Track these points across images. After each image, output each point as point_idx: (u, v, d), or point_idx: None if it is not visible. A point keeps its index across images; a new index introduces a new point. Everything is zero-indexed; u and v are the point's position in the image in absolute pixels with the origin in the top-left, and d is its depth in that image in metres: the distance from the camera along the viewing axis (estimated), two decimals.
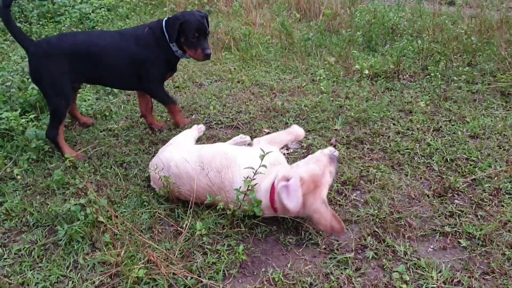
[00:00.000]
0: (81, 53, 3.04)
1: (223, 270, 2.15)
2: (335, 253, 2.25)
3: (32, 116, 3.47)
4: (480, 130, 3.33)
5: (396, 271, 2.09)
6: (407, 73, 4.30)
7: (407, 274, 2.08)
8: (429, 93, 3.92)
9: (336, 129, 3.41)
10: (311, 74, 4.40)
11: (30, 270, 2.19)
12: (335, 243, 2.33)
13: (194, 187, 2.45)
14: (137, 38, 3.15)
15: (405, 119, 3.55)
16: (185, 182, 2.50)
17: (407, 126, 3.43)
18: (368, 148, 3.17)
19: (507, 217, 2.44)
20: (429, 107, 3.67)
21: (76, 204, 2.47)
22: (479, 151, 3.06)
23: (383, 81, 4.17)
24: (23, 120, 3.39)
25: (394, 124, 3.47)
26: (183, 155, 2.56)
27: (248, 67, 4.67)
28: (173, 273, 2.09)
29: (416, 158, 3.02)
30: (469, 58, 4.55)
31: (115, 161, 3.08)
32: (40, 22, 6.01)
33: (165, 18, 3.20)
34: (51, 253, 2.31)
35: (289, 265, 2.19)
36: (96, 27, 6.26)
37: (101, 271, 2.15)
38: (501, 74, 4.11)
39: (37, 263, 2.25)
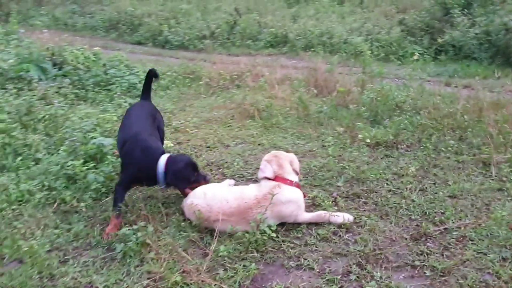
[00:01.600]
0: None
1: (239, 282, 2.84)
2: (326, 275, 2.92)
3: (92, 165, 4.31)
4: (458, 192, 3.99)
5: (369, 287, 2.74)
6: (405, 144, 5.03)
7: None
8: (420, 161, 4.63)
9: (338, 186, 4.14)
10: (322, 140, 5.19)
11: (95, 275, 2.92)
12: (327, 268, 3.00)
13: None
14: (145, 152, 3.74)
15: (397, 180, 4.25)
16: (216, 204, 3.33)
17: (398, 186, 4.13)
18: (363, 202, 3.88)
19: (467, 256, 3.07)
20: (419, 172, 4.37)
21: (129, 229, 3.22)
22: (454, 207, 3.72)
23: (383, 149, 4.91)
24: (85, 167, 4.23)
25: (387, 184, 4.17)
26: (217, 187, 3.51)
27: (268, 133, 5.51)
28: (202, 281, 2.80)
29: (400, 211, 3.70)
30: (461, 133, 5.26)
31: (158, 202, 3.86)
32: (95, 90, 7.06)
33: (164, 158, 3.64)
34: (109, 264, 3.05)
35: (289, 281, 2.87)
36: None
37: (147, 277, 2.87)
38: (485, 148, 4.81)
39: (99, 271, 2.98)
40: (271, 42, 11.55)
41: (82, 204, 3.79)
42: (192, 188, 3.66)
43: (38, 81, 6.51)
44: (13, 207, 3.74)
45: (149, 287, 2.80)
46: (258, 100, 6.34)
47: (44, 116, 5.34)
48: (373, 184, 4.16)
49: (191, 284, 2.80)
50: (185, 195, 3.71)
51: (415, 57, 8.58)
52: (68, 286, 2.85)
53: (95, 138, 4.79)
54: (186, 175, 3.63)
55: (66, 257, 3.15)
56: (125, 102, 6.67)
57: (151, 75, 4.68)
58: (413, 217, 3.61)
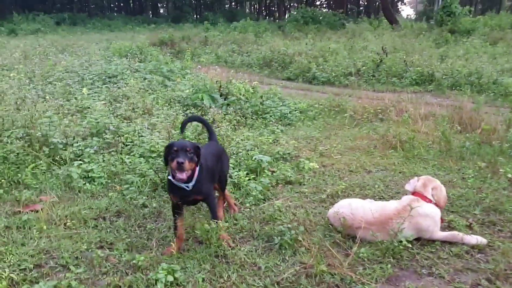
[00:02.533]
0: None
1: (376, 278, 3.35)
2: (454, 284, 3.29)
3: (252, 176, 5.20)
4: None
5: None
6: None
7: None
8: None
9: (475, 213, 4.40)
10: (462, 173, 5.42)
11: (258, 258, 3.67)
12: (457, 279, 3.36)
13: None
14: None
15: None
16: (360, 213, 3.87)
17: None
18: (498, 229, 4.10)
19: None
20: None
21: (285, 227, 3.94)
22: None
23: None
24: (247, 178, 5.12)
25: None
26: (360, 200, 4.06)
27: (409, 163, 5.90)
28: (344, 273, 3.37)
29: None
30: None
31: (307, 210, 4.54)
32: (253, 117, 8.13)
33: None
34: (268, 252, 3.78)
35: (421, 284, 3.29)
36: (290, 124, 8.17)
37: (299, 265, 3.53)
38: None
39: (261, 256, 3.72)
40: (417, 80, 11.79)
41: (246, 205, 4.63)
42: (177, 167, 3.54)
43: (209, 107, 7.77)
44: None
45: (300, 272, 3.46)
46: (401, 133, 6.76)
47: None
48: (511, 215, 4.33)
49: (334, 274, 3.39)
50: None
51: None
52: (238, 263, 3.63)
53: (256, 155, 5.70)
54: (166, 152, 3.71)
55: (234, 243, 3.96)
56: (277, 128, 7.60)
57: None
58: None
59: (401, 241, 3.66)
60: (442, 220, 4.01)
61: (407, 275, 3.45)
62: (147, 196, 4.86)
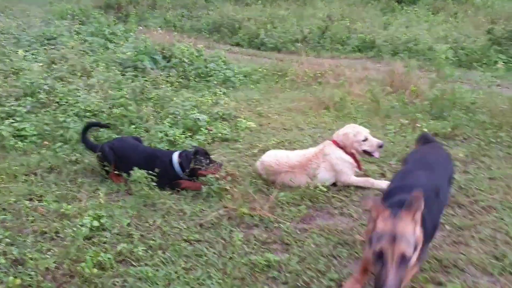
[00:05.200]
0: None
1: (291, 218, 3.67)
2: (361, 221, 3.64)
3: (189, 134, 5.39)
4: (498, 175, 4.46)
5: None
6: (462, 137, 5.50)
7: None
8: (472, 151, 5.09)
9: (390, 163, 4.78)
10: (386, 129, 5.81)
11: (185, 205, 3.90)
12: (364, 217, 3.71)
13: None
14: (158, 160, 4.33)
15: None
16: (284, 160, 4.25)
17: None
18: None
19: (487, 220, 3.63)
20: (467, 158, 4.87)
21: (212, 177, 4.17)
22: (490, 186, 4.22)
23: (440, 139, 5.41)
24: (183, 136, 5.31)
25: None
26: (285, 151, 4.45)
27: (340, 121, 6.24)
28: (263, 214, 3.66)
29: None
30: None
31: (238, 163, 4.79)
32: (196, 80, 8.25)
33: (176, 153, 4.41)
34: (196, 200, 4.02)
35: (331, 222, 3.63)
36: (233, 87, 8.34)
37: (222, 209, 3.79)
38: None
39: (189, 203, 3.95)
40: (359, 47, 12.15)
41: None
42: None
43: (151, 69, 7.81)
44: None
45: (223, 215, 3.72)
46: (334, 94, 7.07)
47: (153, 96, 6.54)
48: None
49: (254, 216, 3.68)
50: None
51: (499, 65, 8.81)
52: (165, 210, 3.84)
53: (194, 115, 5.87)
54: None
55: (163, 192, 4.14)
56: (220, 91, 7.75)
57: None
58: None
59: (317, 187, 3.98)
60: (360, 167, 4.38)
61: (320, 215, 3.79)
62: (81, 154, 4.93)
